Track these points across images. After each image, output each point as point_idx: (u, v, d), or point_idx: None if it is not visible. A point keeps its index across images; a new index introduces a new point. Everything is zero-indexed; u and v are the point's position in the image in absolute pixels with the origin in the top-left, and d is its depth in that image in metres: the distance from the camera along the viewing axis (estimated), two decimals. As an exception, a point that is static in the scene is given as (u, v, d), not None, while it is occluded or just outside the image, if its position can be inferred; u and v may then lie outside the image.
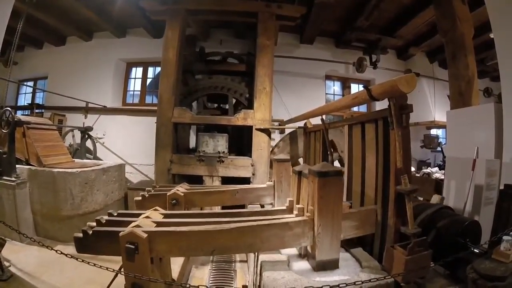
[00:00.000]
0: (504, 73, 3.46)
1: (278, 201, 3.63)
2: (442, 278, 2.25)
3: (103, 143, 8.04)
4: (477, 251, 2.10)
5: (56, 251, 2.04)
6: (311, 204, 2.14)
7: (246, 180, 5.60)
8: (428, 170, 6.60)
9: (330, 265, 2.15)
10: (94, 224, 2.10)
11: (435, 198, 4.44)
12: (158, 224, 2.10)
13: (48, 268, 3.27)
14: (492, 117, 3.33)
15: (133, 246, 1.80)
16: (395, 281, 1.95)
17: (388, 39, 8.14)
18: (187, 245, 1.95)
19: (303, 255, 2.40)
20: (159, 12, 6.12)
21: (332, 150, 4.07)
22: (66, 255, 1.98)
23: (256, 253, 2.50)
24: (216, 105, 7.26)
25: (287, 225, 2.06)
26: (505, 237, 1.90)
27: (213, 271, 3.29)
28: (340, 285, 1.77)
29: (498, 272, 1.75)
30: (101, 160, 6.68)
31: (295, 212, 2.30)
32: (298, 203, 2.52)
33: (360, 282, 1.81)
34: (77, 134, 7.12)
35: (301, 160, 5.92)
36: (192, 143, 7.36)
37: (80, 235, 2.02)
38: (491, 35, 3.71)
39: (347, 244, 2.51)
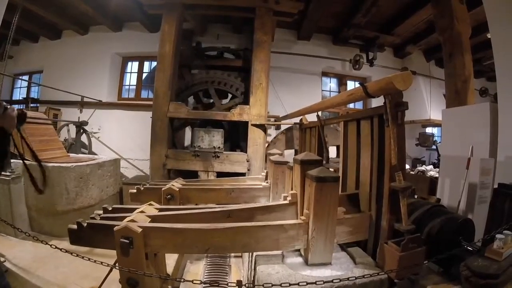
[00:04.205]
0: (500, 73, 3.47)
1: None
2: (436, 275, 2.27)
3: (98, 137, 7.99)
4: (471, 249, 2.11)
5: (51, 245, 2.03)
6: (307, 208, 2.14)
7: (241, 175, 5.58)
8: (423, 168, 6.64)
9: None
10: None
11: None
12: (153, 218, 2.10)
13: (43, 263, 3.25)
14: (487, 117, 3.35)
15: (127, 241, 1.81)
16: (388, 277, 1.96)
17: (385, 36, 8.15)
18: (182, 242, 1.95)
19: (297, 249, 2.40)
20: (156, 6, 6.07)
21: (327, 147, 4.09)
22: (60, 249, 1.98)
23: (251, 249, 2.50)
24: (212, 100, 7.22)
25: (282, 227, 2.07)
26: (498, 235, 1.91)
27: (208, 266, 3.30)
28: (334, 281, 1.79)
29: (491, 269, 1.77)
30: (96, 154, 6.64)
31: (289, 198, 2.33)
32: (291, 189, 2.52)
33: (354, 278, 1.81)
34: (72, 129, 7.08)
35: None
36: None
37: (75, 226, 2.02)
38: (488, 35, 3.73)
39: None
